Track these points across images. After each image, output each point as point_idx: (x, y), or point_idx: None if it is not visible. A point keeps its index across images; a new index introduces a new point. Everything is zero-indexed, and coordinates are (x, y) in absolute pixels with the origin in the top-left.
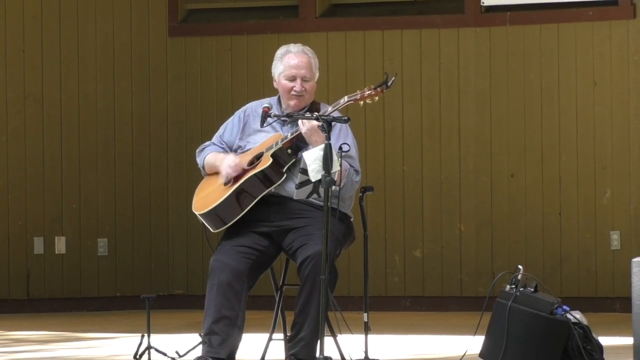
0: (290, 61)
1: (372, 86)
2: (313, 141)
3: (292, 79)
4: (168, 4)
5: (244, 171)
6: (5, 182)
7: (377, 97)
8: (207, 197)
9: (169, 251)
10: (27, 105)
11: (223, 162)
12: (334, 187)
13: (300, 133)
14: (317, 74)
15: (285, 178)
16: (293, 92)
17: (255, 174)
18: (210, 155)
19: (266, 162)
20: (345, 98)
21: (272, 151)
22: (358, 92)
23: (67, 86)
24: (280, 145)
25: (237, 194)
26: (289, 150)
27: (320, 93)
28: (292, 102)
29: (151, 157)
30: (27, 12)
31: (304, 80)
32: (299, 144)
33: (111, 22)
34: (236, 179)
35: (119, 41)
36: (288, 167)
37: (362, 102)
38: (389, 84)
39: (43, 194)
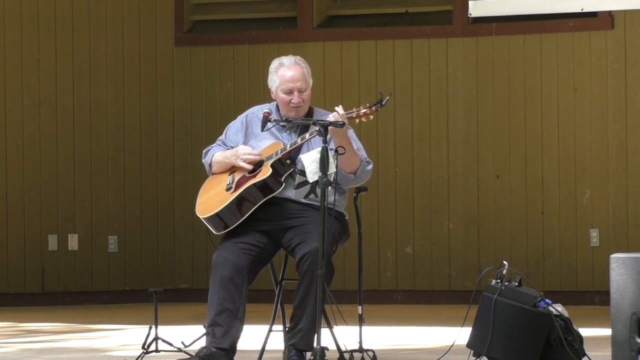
0: (285, 74)
1: (368, 105)
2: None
3: (289, 92)
4: (174, 15)
5: (245, 179)
6: (21, 183)
7: (372, 116)
8: (209, 201)
9: (175, 248)
10: (41, 111)
11: (235, 155)
12: (352, 176)
13: (298, 145)
14: (311, 81)
15: (284, 185)
16: (292, 105)
17: (255, 184)
18: (217, 154)
19: (266, 172)
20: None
21: (271, 161)
22: (354, 109)
23: (80, 93)
24: (279, 155)
25: (238, 201)
26: (288, 161)
27: (317, 99)
28: (292, 114)
29: (158, 160)
30: (42, 24)
31: (300, 91)
32: (296, 154)
33: (121, 33)
34: (237, 186)
35: (128, 51)
36: (286, 176)
37: (357, 120)
38: (383, 102)
39: (57, 194)
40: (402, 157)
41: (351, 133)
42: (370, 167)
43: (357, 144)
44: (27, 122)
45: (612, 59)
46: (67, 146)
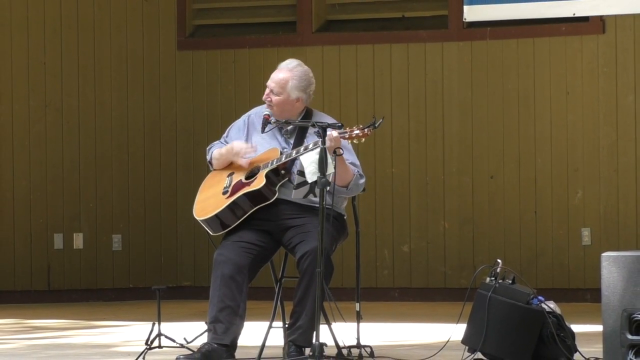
0: (273, 73)
1: (361, 126)
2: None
3: (266, 87)
4: (177, 20)
5: (241, 185)
6: (27, 183)
7: (364, 139)
8: (206, 201)
9: (178, 246)
10: (47, 113)
11: (230, 152)
12: (344, 189)
13: (293, 157)
14: (295, 93)
15: (279, 192)
16: (263, 98)
17: (248, 192)
18: (215, 151)
19: (260, 181)
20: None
21: (266, 170)
22: (347, 129)
23: (85, 95)
24: (274, 165)
25: (232, 207)
26: (283, 171)
27: (316, 101)
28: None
29: (161, 161)
30: (47, 27)
31: (271, 92)
32: (291, 164)
33: (125, 37)
34: (233, 191)
35: (131, 54)
36: (280, 185)
37: (350, 141)
38: (376, 125)
39: (62, 193)
40: (399, 158)
41: (346, 145)
42: (362, 180)
43: (352, 157)
44: (33, 124)
45: (603, 63)
46: (72, 147)
